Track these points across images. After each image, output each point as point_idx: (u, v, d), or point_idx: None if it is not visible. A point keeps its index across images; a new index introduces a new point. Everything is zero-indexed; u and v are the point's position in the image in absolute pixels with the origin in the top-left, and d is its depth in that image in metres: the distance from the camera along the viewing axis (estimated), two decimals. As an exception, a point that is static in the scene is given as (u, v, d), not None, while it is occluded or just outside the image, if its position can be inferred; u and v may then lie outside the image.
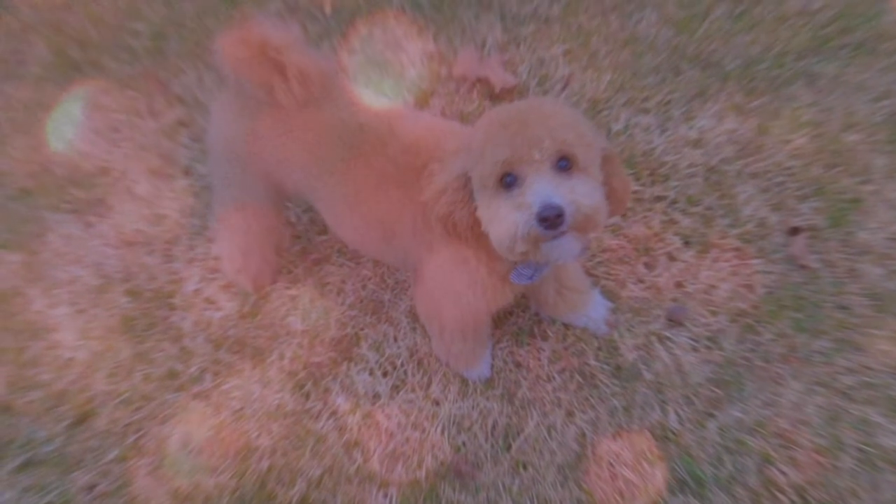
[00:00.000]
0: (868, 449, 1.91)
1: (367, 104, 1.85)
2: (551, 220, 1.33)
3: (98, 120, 2.88)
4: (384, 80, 2.81)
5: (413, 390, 2.14)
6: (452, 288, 1.77)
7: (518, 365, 2.15)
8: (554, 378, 2.11)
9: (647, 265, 2.27)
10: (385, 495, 1.98)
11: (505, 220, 1.41)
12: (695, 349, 2.11)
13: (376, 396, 2.13)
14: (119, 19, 3.25)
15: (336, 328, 2.27)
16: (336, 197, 1.83)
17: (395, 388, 2.15)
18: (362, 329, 2.26)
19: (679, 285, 2.22)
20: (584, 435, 2.01)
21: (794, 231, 2.26)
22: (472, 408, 2.09)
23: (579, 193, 1.38)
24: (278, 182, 1.95)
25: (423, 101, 2.73)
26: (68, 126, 2.88)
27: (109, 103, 2.93)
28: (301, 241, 2.47)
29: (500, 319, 2.22)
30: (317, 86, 1.75)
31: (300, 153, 1.82)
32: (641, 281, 2.24)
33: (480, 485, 1.97)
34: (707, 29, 2.80)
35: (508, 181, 1.42)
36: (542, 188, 1.36)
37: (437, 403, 2.11)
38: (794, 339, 2.09)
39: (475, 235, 1.56)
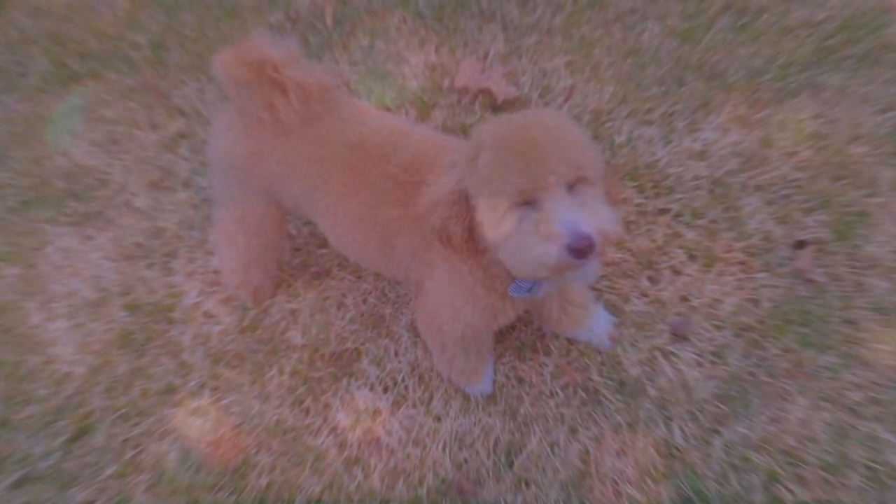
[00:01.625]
0: (876, 466, 1.88)
1: (368, 117, 1.84)
2: (583, 250, 1.30)
3: (98, 132, 2.87)
4: (386, 92, 2.80)
5: (414, 406, 2.12)
6: (452, 304, 1.75)
7: (520, 380, 2.13)
8: (557, 394, 2.09)
9: (650, 279, 2.25)
10: (386, 513, 1.96)
11: (532, 249, 1.36)
12: (699, 364, 2.08)
13: (377, 412, 2.11)
14: (119, 30, 3.24)
15: (336, 343, 2.25)
16: (336, 212, 1.81)
17: (396, 404, 2.13)
18: (363, 344, 2.24)
19: (683, 299, 2.20)
20: (587, 452, 1.99)
21: (800, 244, 2.24)
22: (474, 424, 2.07)
23: (603, 220, 1.35)
24: (278, 195, 1.93)
25: (424, 113, 2.71)
26: (67, 137, 2.87)
27: (109, 115, 2.92)
28: (301, 254, 2.45)
29: (503, 334, 2.20)
30: (317, 101, 1.74)
31: (301, 166, 1.81)
32: (645, 295, 2.22)
33: (482, 502, 1.95)
34: (710, 40, 2.79)
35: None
36: (568, 216, 1.32)
37: (439, 419, 2.09)
38: (801, 354, 2.07)
39: (470, 249, 1.53)
